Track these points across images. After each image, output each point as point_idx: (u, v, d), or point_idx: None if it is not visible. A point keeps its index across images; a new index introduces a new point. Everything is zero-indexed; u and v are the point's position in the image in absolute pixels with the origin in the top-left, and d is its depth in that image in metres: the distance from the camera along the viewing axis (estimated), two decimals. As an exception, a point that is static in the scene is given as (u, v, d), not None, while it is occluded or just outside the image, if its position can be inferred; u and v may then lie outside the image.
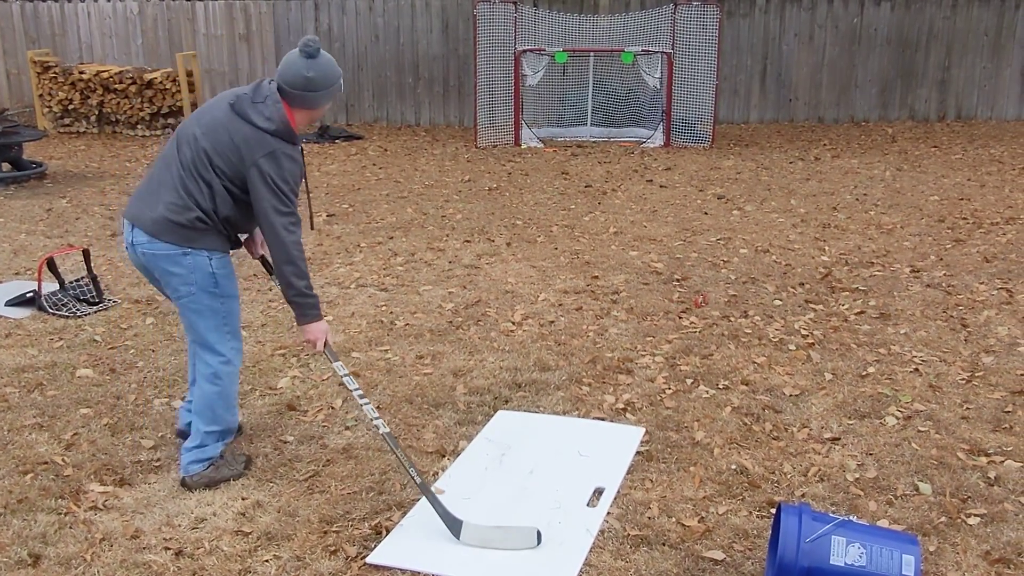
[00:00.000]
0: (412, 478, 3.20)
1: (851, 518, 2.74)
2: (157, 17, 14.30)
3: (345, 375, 3.34)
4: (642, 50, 11.73)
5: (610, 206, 8.31)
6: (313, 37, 3.19)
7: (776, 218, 7.81)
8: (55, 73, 12.79)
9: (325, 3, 14.03)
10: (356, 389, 3.34)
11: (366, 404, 3.32)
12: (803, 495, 3.40)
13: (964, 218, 7.71)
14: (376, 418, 3.30)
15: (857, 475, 3.54)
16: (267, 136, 3.16)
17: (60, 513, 3.26)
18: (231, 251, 3.41)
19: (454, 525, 3.10)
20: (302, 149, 3.31)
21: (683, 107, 12.01)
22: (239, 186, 3.21)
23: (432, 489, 3.33)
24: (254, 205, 3.19)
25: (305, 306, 3.26)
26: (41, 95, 12.97)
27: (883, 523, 3.20)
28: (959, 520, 3.22)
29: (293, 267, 3.20)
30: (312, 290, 3.27)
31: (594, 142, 12.23)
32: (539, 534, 3.08)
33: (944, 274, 6.11)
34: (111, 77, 12.63)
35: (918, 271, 6.20)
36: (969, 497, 3.37)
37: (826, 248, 6.81)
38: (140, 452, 3.71)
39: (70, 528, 3.16)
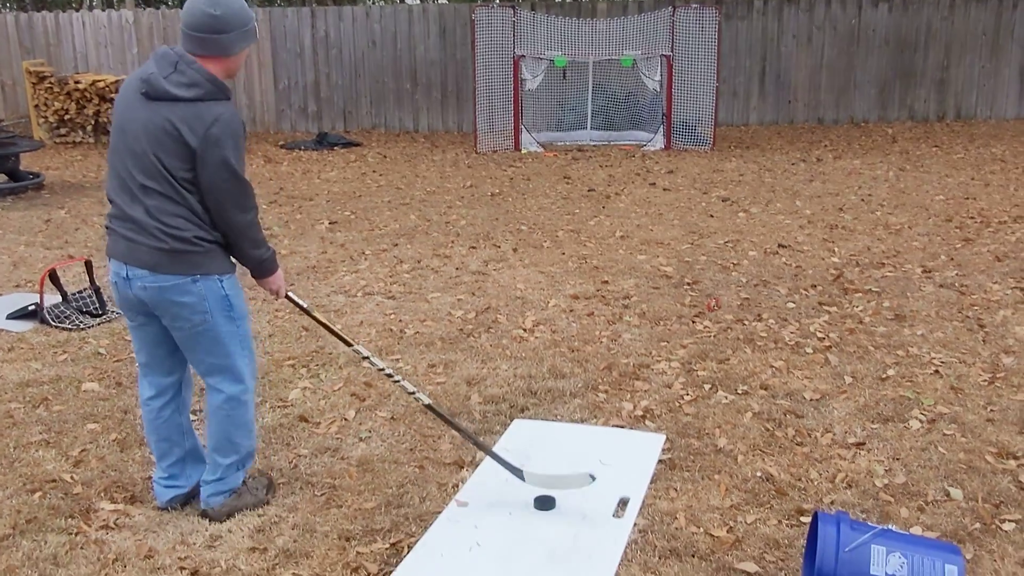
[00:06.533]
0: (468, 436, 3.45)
1: (891, 527, 2.66)
2: (152, 26, 14.23)
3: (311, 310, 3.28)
4: (642, 53, 11.68)
5: (614, 210, 8.24)
6: None
7: (783, 220, 7.75)
8: (51, 83, 12.71)
9: (322, 10, 13.97)
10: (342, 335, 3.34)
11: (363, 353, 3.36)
12: (832, 502, 3.32)
13: (971, 217, 7.66)
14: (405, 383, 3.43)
15: (886, 481, 3.46)
16: (200, 104, 2.82)
17: (71, 533, 3.16)
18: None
19: (516, 472, 3.35)
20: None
21: (683, 110, 11.97)
22: None
23: (455, 500, 3.25)
24: (203, 182, 2.85)
25: (263, 264, 3.08)
26: (37, 105, 12.87)
27: (916, 530, 3.12)
28: (993, 526, 3.14)
29: (251, 242, 3.01)
30: (268, 248, 3.08)
31: (594, 146, 12.18)
32: (591, 476, 3.35)
33: (956, 274, 6.05)
34: (107, 87, 12.55)
35: (930, 271, 6.14)
36: (1002, 502, 3.29)
37: (835, 249, 6.75)
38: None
39: (81, 549, 3.07)
